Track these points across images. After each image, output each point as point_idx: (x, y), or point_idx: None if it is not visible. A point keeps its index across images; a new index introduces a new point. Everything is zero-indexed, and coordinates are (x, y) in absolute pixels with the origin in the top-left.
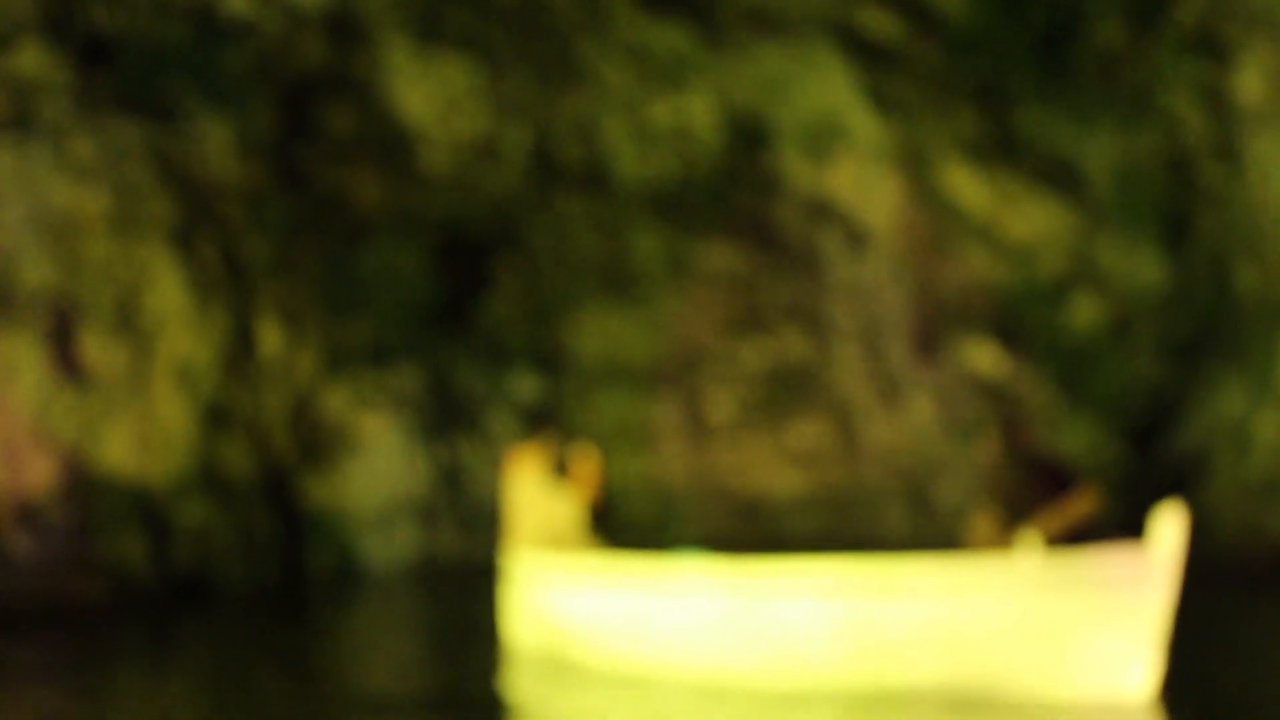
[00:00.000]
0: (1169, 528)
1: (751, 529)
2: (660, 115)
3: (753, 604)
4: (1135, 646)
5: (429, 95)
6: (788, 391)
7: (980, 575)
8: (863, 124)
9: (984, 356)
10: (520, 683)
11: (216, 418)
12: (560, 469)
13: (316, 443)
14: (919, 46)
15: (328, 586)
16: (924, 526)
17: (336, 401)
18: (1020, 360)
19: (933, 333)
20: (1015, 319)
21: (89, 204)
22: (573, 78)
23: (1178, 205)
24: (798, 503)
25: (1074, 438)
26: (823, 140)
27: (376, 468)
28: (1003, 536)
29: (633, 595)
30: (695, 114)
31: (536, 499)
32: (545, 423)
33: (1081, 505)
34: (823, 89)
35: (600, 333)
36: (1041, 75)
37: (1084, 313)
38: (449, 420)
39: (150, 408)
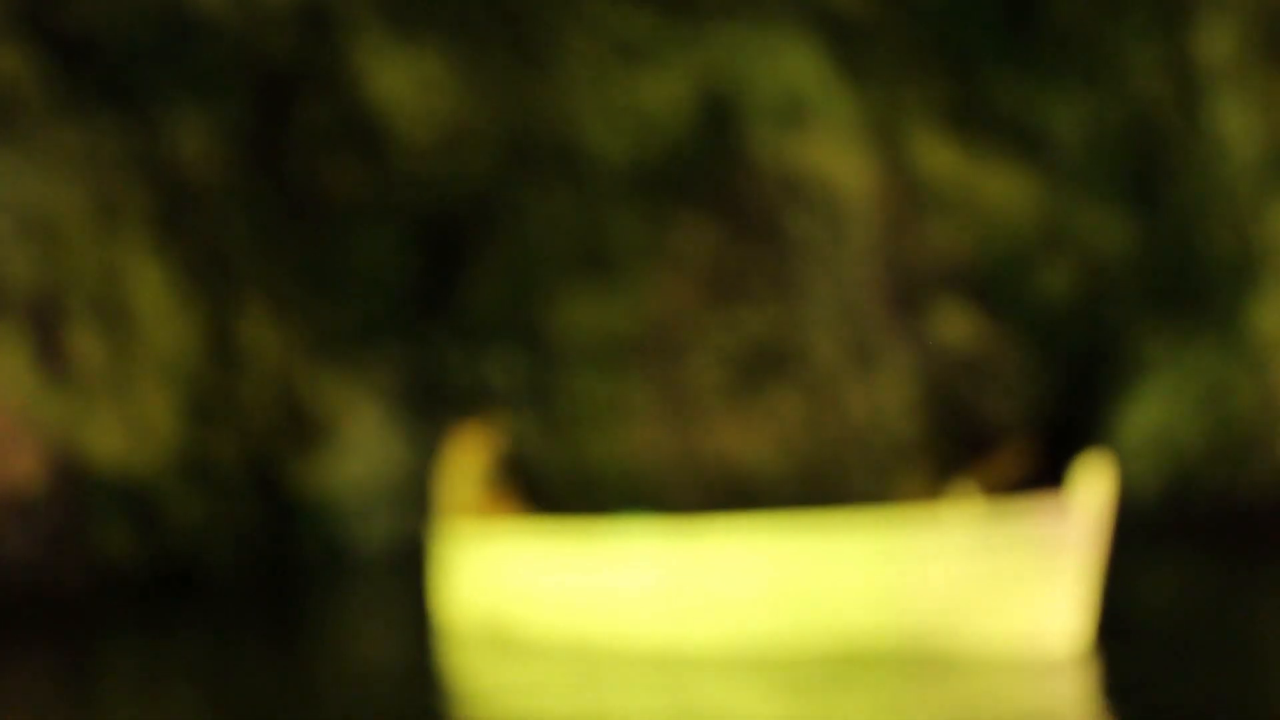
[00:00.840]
0: (1094, 478)
1: (732, 503)
2: (633, 95)
3: (683, 565)
4: (1064, 598)
5: (403, 81)
6: (766, 365)
7: (910, 532)
8: (833, 97)
9: (959, 323)
10: (463, 658)
11: (201, 407)
12: (507, 458)
13: (301, 430)
14: (887, 18)
15: (316, 572)
16: (903, 493)
17: (320, 388)
18: (994, 325)
19: (908, 301)
20: (989, 284)
21: (70, 200)
22: (545, 60)
23: (1146, 168)
24: (779, 475)
25: (1046, 400)
26: (794, 114)
27: (362, 453)
28: (935, 492)
29: (570, 561)
30: (668, 93)
31: (465, 488)
32: (495, 406)
33: (1017, 462)
34: (792, 63)
35: (580, 312)
36: (1009, 43)
37: (1056, 276)
38: (433, 403)
39: (135, 399)
